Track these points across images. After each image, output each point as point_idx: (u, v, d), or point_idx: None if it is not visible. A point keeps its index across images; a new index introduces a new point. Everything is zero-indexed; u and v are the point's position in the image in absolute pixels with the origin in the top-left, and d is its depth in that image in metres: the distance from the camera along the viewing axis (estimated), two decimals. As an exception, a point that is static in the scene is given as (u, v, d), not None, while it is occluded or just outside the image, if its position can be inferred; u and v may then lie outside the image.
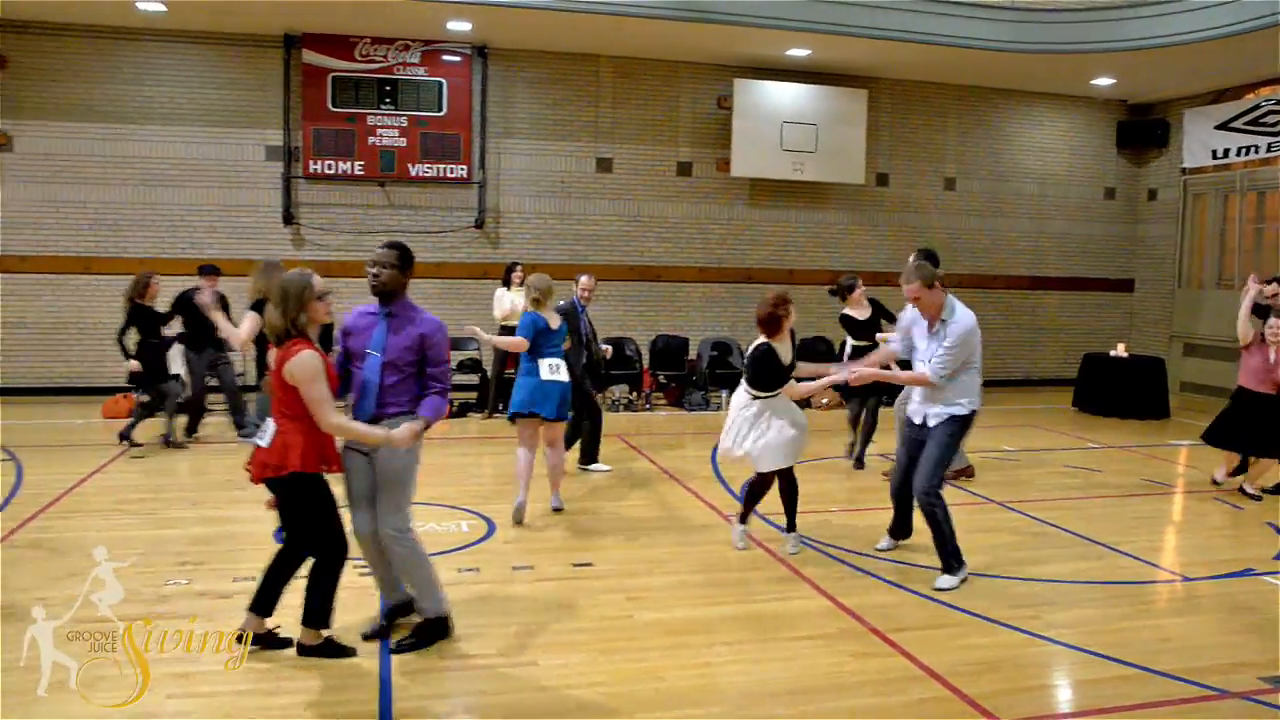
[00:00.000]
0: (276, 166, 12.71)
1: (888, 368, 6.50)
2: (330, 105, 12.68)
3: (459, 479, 8.39)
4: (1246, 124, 13.75)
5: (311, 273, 4.53)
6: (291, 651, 4.63)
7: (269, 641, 4.66)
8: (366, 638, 4.87)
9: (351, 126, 12.75)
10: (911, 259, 6.87)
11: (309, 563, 4.63)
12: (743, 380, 6.48)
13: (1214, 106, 14.30)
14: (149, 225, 12.45)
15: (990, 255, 15.40)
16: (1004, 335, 15.28)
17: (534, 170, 13.51)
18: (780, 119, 13.64)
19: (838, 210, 14.62)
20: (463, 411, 11.83)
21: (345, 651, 4.64)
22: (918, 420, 6.00)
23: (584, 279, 8.88)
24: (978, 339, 5.88)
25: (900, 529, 6.61)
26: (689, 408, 12.78)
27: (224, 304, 9.84)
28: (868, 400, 9.04)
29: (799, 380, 6.48)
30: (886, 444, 8.69)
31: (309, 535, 4.58)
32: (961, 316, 5.82)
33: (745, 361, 6.55)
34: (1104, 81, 14.35)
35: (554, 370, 7.23)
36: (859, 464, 9.18)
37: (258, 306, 7.59)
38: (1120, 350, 13.20)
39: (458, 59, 13.05)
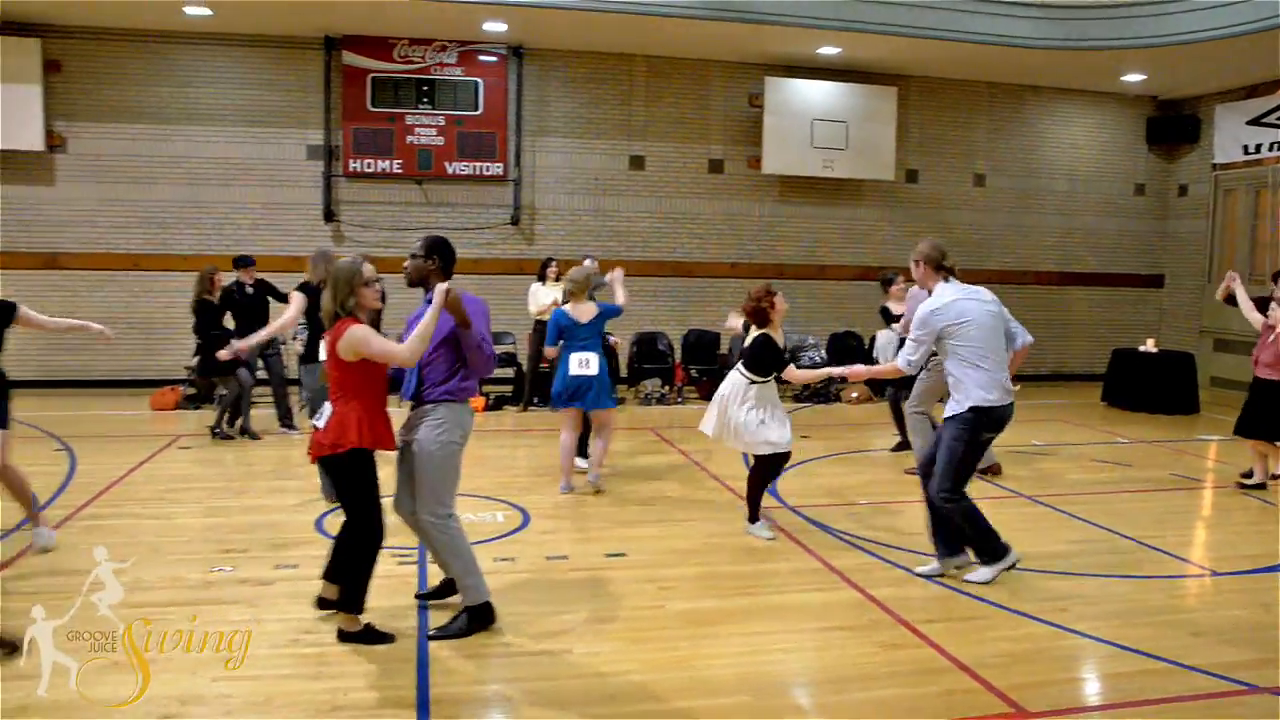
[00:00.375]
0: (317, 165, 12.81)
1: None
2: (369, 105, 12.76)
3: (495, 470, 8.42)
4: (1279, 119, 13.51)
5: (362, 260, 4.64)
6: (332, 638, 4.67)
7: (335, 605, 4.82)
8: (419, 597, 5.16)
9: (390, 126, 12.82)
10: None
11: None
12: (737, 367, 6.58)
13: (1246, 102, 14.05)
14: (195, 223, 12.60)
15: (1020, 251, 15.24)
16: (1033, 330, 14.87)
17: (568, 168, 13.52)
18: (811, 116, 13.57)
19: (868, 206, 14.52)
20: (499, 404, 11.88)
21: (384, 638, 4.68)
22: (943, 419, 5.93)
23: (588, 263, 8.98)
24: (949, 322, 5.45)
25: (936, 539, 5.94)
26: (720, 401, 12.73)
27: (269, 289, 9.97)
28: (901, 393, 8.97)
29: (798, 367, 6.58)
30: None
31: (352, 513, 4.66)
32: (929, 299, 5.60)
33: (743, 350, 6.60)
34: (1134, 78, 14.14)
35: (583, 365, 7.39)
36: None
37: (304, 287, 7.74)
38: (1150, 345, 13.01)
39: (494, 59, 13.08)
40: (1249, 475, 8.43)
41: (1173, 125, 15.38)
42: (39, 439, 9.25)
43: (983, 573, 5.72)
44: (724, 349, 13.48)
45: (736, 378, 6.55)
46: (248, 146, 12.68)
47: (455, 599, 4.98)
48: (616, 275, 7.89)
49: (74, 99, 12.21)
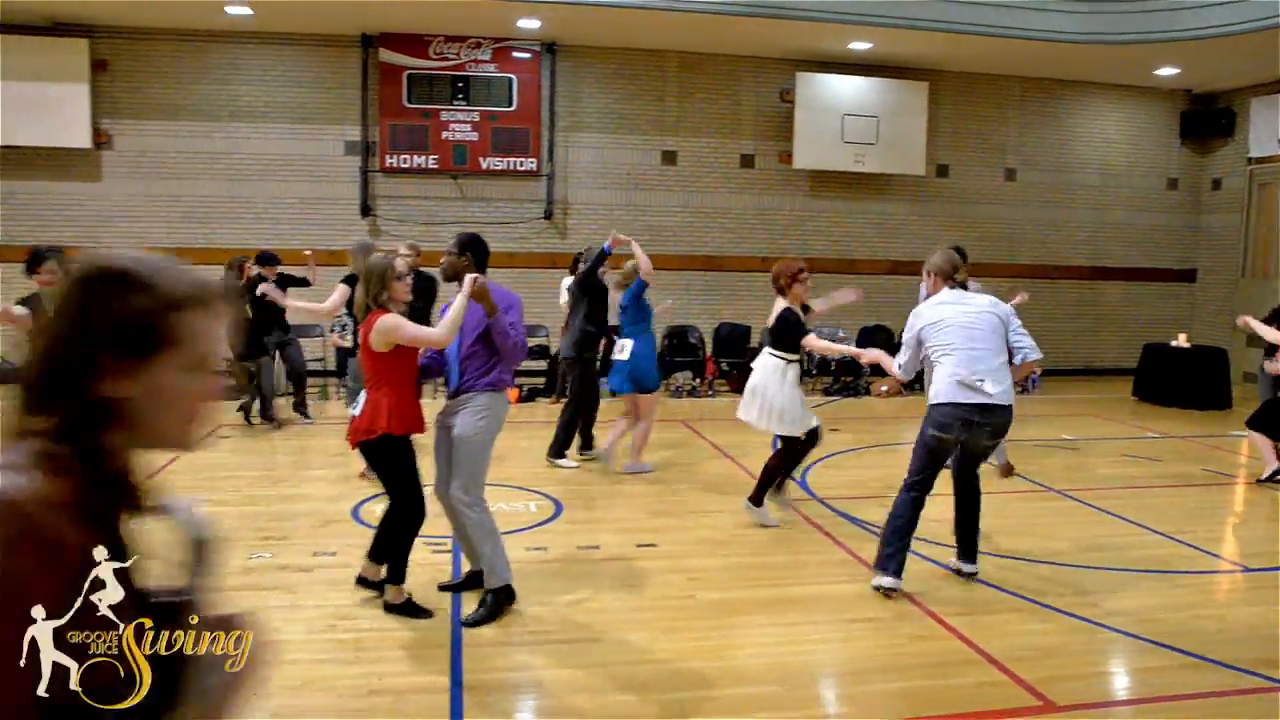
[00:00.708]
0: (355, 161, 12.89)
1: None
2: (405, 102, 12.82)
3: (527, 461, 8.45)
4: (1316, 112, 13.27)
5: (395, 256, 4.88)
6: (368, 624, 4.74)
7: (377, 586, 4.99)
8: (442, 588, 5.21)
9: (426, 122, 12.87)
10: None
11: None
12: (765, 350, 6.63)
13: (1283, 95, 13.81)
14: (235, 218, 12.72)
15: (1050, 246, 15.05)
16: (1064, 325, 14.94)
17: (601, 163, 13.53)
18: (842, 111, 13.47)
19: (898, 201, 14.41)
20: (531, 397, 11.91)
21: (424, 612, 4.86)
22: None
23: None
24: (925, 324, 5.38)
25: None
26: (750, 394, 12.71)
27: (292, 281, 10.04)
28: None
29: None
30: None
31: (393, 494, 4.88)
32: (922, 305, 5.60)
33: (772, 325, 6.59)
34: (1168, 71, 13.92)
35: (620, 350, 7.91)
36: None
37: (349, 279, 7.85)
38: (1182, 340, 12.82)
39: (527, 56, 13.09)
40: None
41: (1207, 119, 15.11)
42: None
43: (879, 578, 5.36)
44: (754, 342, 13.44)
45: (768, 361, 6.56)
46: (287, 142, 12.79)
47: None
48: (632, 245, 8.03)
49: (120, 97, 12.36)
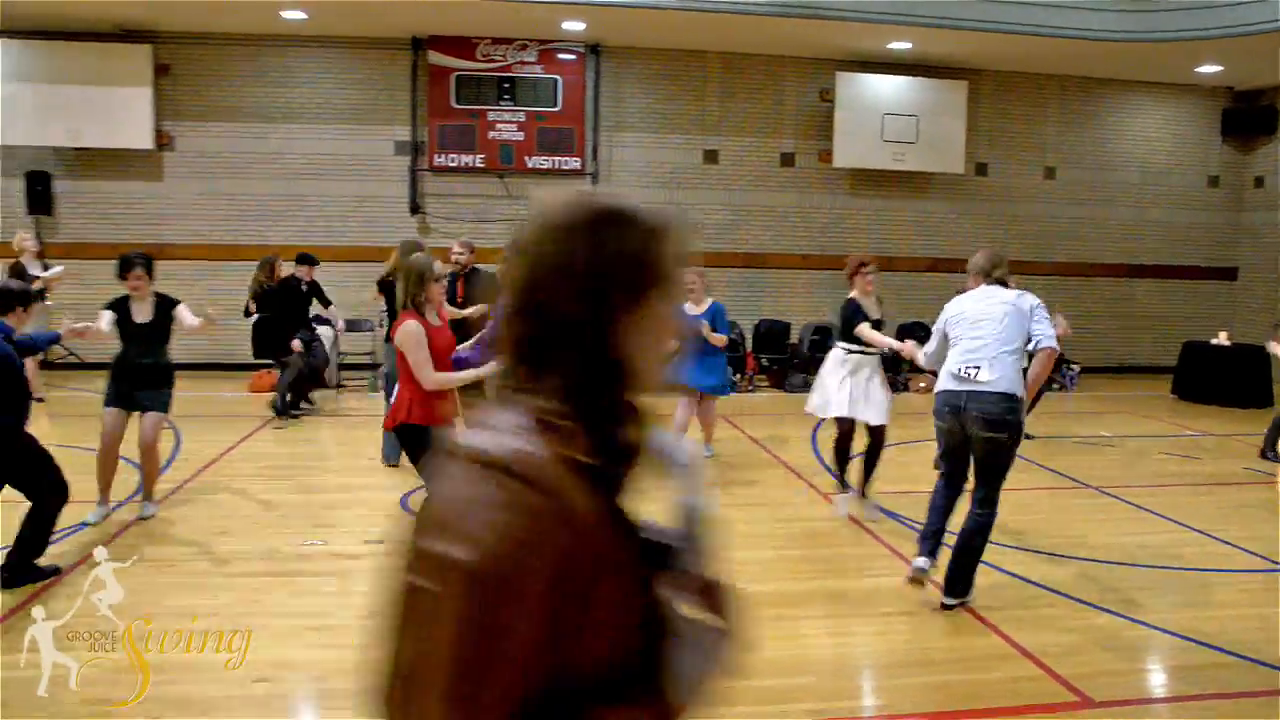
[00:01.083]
0: (404, 160, 13.01)
1: None
2: (453, 102, 12.90)
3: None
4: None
5: (434, 258, 5.02)
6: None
7: None
8: None
9: (473, 122, 12.95)
10: None
11: None
12: (837, 345, 6.80)
13: (1326, 93, 13.46)
14: (290, 216, 12.89)
15: (1090, 243, 14.79)
16: (1103, 323, 14.69)
17: (644, 162, 13.52)
18: (881, 111, 13.35)
19: (937, 199, 14.25)
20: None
21: None
22: None
23: None
24: (949, 318, 5.47)
25: None
26: (789, 390, 12.66)
27: (318, 291, 10.26)
28: None
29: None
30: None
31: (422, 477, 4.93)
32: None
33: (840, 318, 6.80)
34: (1209, 69, 13.62)
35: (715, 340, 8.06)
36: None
37: (383, 283, 7.96)
38: (1222, 338, 12.56)
39: (572, 57, 13.12)
40: None
41: (1249, 116, 14.77)
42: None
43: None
44: (794, 339, 13.38)
45: (834, 352, 6.77)
46: (339, 142, 12.93)
47: None
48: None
49: (181, 100, 12.57)
